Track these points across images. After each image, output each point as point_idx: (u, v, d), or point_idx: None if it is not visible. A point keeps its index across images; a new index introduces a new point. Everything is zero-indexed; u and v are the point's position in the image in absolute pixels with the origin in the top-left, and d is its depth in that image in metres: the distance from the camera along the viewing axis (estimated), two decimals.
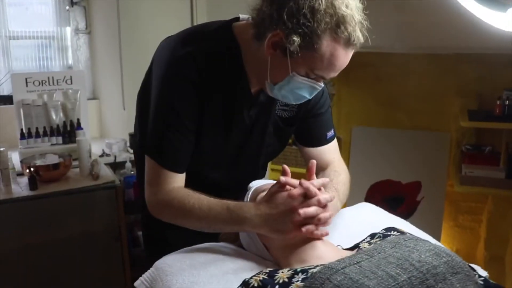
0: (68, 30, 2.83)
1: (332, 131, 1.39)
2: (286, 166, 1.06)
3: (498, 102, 2.35)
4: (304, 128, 1.34)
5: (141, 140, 1.25)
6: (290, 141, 1.41)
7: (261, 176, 1.42)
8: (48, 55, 2.86)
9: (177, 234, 1.38)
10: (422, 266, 0.80)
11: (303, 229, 0.99)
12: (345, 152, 3.09)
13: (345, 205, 1.14)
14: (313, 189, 1.01)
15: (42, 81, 2.38)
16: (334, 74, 1.07)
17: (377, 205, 1.42)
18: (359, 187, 3.06)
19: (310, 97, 1.14)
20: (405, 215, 2.78)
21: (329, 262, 0.85)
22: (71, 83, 2.43)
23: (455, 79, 2.68)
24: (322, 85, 1.13)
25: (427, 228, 1.25)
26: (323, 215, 1.00)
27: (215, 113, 1.17)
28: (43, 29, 2.80)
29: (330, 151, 1.39)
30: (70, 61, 2.87)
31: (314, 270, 0.83)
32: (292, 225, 1.00)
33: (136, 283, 1.10)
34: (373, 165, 3.02)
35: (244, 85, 1.17)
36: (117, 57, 2.48)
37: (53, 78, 2.40)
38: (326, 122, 1.36)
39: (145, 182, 1.20)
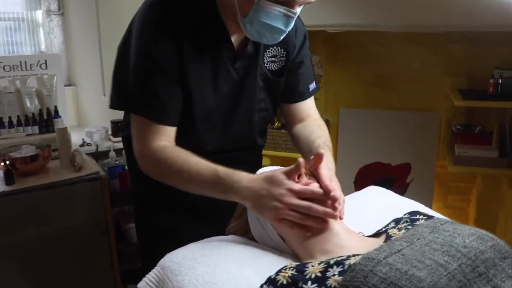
0: (39, 11, 2.64)
1: (314, 83, 1.37)
2: (301, 161, 0.94)
3: (492, 80, 2.31)
4: (289, 82, 1.31)
5: (118, 97, 1.16)
6: (278, 124, 1.36)
7: (258, 146, 1.36)
8: (17, 39, 2.67)
9: (174, 223, 1.30)
10: (469, 252, 0.73)
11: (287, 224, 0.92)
12: (333, 135, 3.03)
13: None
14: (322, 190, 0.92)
15: (13, 66, 2.22)
16: None
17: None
18: (348, 170, 3.02)
19: (286, 29, 1.07)
20: None
21: (366, 252, 0.77)
22: (46, 67, 2.27)
23: (444, 59, 2.65)
24: (296, 11, 1.05)
25: None
26: (318, 208, 0.91)
27: (198, 63, 1.13)
28: (11, 10, 2.59)
29: (310, 105, 1.38)
30: (43, 46, 2.69)
31: (352, 262, 0.75)
32: (274, 213, 0.92)
33: (140, 285, 0.99)
34: (361, 147, 2.97)
35: (222, 31, 1.13)
36: (95, 39, 2.33)
37: (25, 62, 2.25)
38: (309, 72, 1.35)
39: (133, 139, 1.15)
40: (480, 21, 2.03)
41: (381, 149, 2.92)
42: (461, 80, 2.61)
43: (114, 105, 1.17)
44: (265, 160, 2.86)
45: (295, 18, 1.07)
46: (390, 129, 2.87)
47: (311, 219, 0.92)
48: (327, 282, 0.73)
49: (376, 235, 0.99)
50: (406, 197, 1.29)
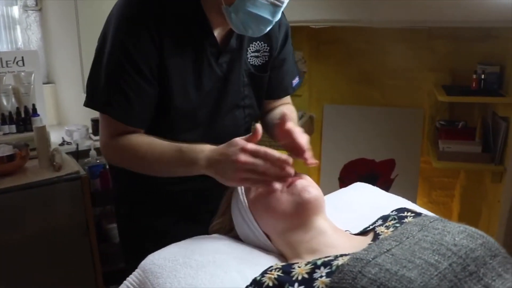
0: (16, 7, 2.57)
1: (297, 77, 1.36)
2: (259, 126, 0.94)
3: (474, 76, 2.32)
4: (273, 78, 1.29)
5: (90, 95, 1.12)
6: None
7: None
8: None
9: (157, 223, 1.27)
10: (460, 250, 0.71)
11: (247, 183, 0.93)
12: (317, 131, 3.02)
13: (319, 186, 1.06)
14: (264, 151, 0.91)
15: None
16: None
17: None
18: (333, 166, 3.01)
19: (274, 19, 1.04)
20: None
21: (354, 252, 0.74)
22: (23, 64, 2.21)
23: (428, 55, 2.65)
24: (284, 1, 1.03)
25: None
26: (269, 169, 0.90)
27: (180, 59, 1.09)
28: None
29: (288, 99, 1.39)
30: (20, 42, 2.61)
31: (340, 263, 0.72)
32: (233, 175, 0.91)
33: None
34: (346, 143, 2.97)
35: (204, 25, 1.09)
36: (74, 36, 2.26)
37: (1, 59, 2.18)
38: (292, 68, 1.33)
39: (99, 131, 1.14)
40: (462, 17, 2.03)
41: (365, 145, 2.92)
42: (445, 76, 2.63)
43: (86, 103, 1.13)
44: None
45: (282, 8, 1.04)
46: (374, 125, 2.87)
47: (269, 178, 0.91)
48: (315, 284, 0.71)
49: (364, 233, 0.97)
50: (391, 193, 1.28)
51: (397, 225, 0.89)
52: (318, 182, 3.04)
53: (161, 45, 1.06)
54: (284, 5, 1.03)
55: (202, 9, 1.09)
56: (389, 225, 0.91)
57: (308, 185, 0.95)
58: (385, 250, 0.72)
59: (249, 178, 0.91)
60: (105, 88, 1.07)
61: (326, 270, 0.73)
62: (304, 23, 2.29)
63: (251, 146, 0.90)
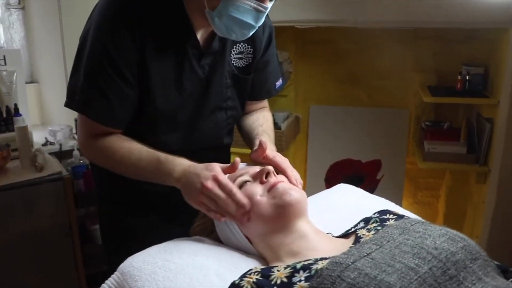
0: None
1: (281, 79, 1.37)
2: (238, 160, 0.99)
3: (459, 77, 2.34)
4: (257, 80, 1.29)
5: (69, 95, 1.11)
6: None
7: (225, 145, 1.33)
8: None
9: (140, 224, 1.26)
10: (440, 253, 0.71)
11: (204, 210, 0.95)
12: (304, 132, 3.02)
13: (305, 187, 1.08)
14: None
15: None
16: None
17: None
18: (319, 167, 3.01)
19: (257, 24, 1.05)
20: None
21: (333, 256, 0.74)
22: (5, 63, 2.17)
23: (413, 56, 2.67)
24: (267, 6, 1.03)
25: None
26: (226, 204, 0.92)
27: (161, 60, 1.08)
28: None
29: (265, 102, 1.40)
30: (2, 41, 2.56)
31: (319, 267, 0.71)
32: (196, 196, 0.94)
33: None
34: (332, 144, 2.97)
35: (186, 26, 1.09)
36: (57, 35, 2.23)
37: None
38: (276, 70, 1.34)
39: (77, 129, 1.15)
40: (447, 18, 2.04)
41: (351, 145, 2.93)
42: (430, 77, 2.64)
43: (66, 103, 1.11)
44: (233, 158, 2.82)
45: (265, 14, 1.04)
46: (361, 125, 2.88)
47: (223, 212, 0.93)
48: None
49: (345, 235, 0.96)
50: (377, 193, 1.28)
51: (379, 227, 0.89)
52: (304, 183, 3.04)
53: (142, 45, 1.05)
54: (267, 10, 1.03)
55: (185, 10, 1.08)
56: (371, 227, 0.91)
57: (289, 188, 0.94)
58: (365, 254, 0.71)
59: (206, 205, 0.94)
60: (84, 88, 1.06)
61: (305, 274, 0.72)
62: (289, 23, 2.29)
63: (222, 177, 0.93)
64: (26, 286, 1.89)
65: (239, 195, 0.92)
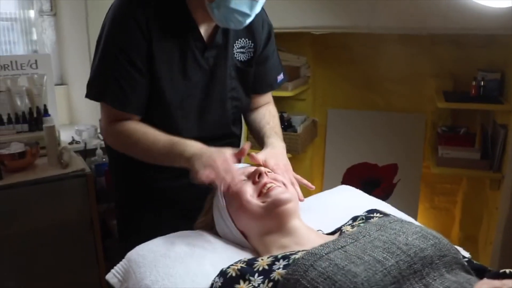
0: (32, 11, 2.69)
1: (282, 74, 1.46)
2: (247, 146, 1.11)
3: (474, 83, 2.35)
4: (258, 73, 1.39)
5: (89, 86, 1.25)
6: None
7: (234, 135, 1.43)
8: (11, 39, 2.70)
9: (153, 222, 1.34)
10: (410, 249, 0.76)
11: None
12: (321, 135, 3.06)
13: (321, 189, 1.13)
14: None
15: (4, 65, 2.26)
16: None
17: None
18: (336, 170, 3.05)
19: (251, 13, 1.15)
20: (382, 198, 2.76)
21: (312, 248, 0.81)
22: (37, 67, 2.31)
23: (430, 61, 2.68)
24: None
25: (403, 210, 1.24)
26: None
27: (167, 52, 1.20)
28: (4, 10, 2.64)
29: (270, 94, 1.48)
30: (36, 45, 2.73)
31: (296, 256, 0.79)
32: (205, 170, 1.02)
33: (107, 276, 1.04)
34: (349, 148, 3.00)
35: (189, 21, 1.20)
36: (85, 39, 2.36)
37: (16, 62, 2.28)
38: (277, 64, 1.43)
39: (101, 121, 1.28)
40: (462, 24, 2.06)
41: (368, 149, 2.95)
42: (446, 82, 2.65)
43: (86, 94, 1.24)
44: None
45: (258, 2, 1.15)
46: (377, 129, 2.90)
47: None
48: (272, 275, 0.77)
49: (333, 232, 1.03)
50: (393, 197, 1.32)
51: (362, 224, 0.95)
52: (321, 186, 3.09)
53: (150, 39, 1.17)
54: (261, 1, 1.15)
55: (187, 7, 1.20)
56: (355, 224, 0.97)
57: (280, 193, 1.00)
58: (340, 247, 0.78)
59: (209, 177, 1.03)
60: (101, 78, 1.20)
61: (284, 263, 0.79)
62: (304, 29, 2.35)
63: (231, 162, 1.04)
64: (49, 276, 2.01)
65: (237, 183, 1.04)
